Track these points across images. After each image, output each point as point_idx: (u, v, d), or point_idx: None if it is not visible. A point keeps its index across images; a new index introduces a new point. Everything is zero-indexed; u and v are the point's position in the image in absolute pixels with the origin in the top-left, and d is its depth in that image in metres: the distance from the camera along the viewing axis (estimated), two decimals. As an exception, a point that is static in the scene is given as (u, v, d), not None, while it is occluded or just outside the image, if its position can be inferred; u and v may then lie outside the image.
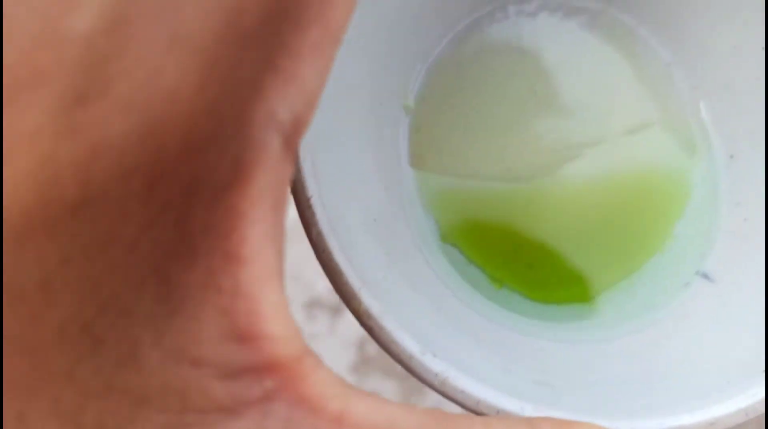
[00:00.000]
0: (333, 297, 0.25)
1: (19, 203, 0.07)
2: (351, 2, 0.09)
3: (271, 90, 0.09)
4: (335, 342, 0.25)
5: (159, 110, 0.07)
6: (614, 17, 0.18)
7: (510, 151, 0.18)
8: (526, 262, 0.18)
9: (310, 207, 0.13)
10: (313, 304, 0.26)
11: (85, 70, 0.07)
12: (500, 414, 0.13)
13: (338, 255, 0.13)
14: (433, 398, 0.25)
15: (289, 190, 0.10)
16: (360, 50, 0.16)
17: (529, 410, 0.13)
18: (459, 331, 0.16)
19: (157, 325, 0.08)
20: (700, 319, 0.17)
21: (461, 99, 0.18)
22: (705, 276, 0.18)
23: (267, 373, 0.09)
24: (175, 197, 0.08)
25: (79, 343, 0.08)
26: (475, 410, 0.13)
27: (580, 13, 0.19)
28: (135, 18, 0.07)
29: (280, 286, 0.09)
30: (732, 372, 0.14)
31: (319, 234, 0.13)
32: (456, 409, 0.13)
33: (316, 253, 0.13)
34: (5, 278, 0.07)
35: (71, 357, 0.08)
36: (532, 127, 0.18)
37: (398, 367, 0.14)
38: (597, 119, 0.19)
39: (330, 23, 0.09)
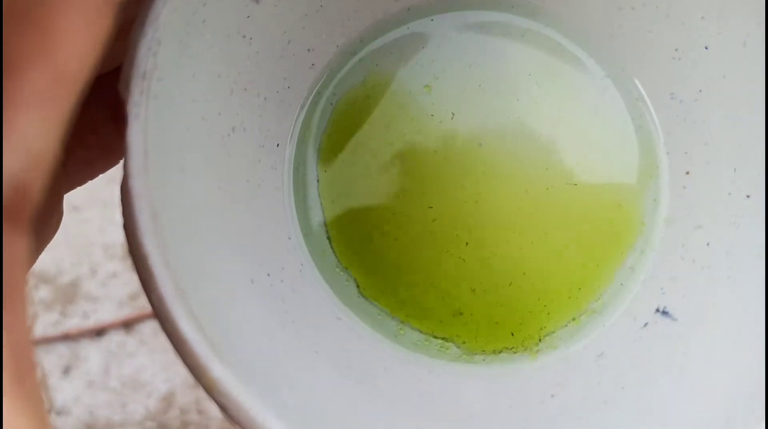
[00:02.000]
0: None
1: None
2: (85, 39, 0.08)
3: None
4: None
5: None
6: (538, 40, 0.17)
7: (432, 188, 0.16)
8: (453, 310, 0.16)
9: (147, 267, 0.11)
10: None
11: None
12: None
13: (183, 322, 0.11)
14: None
15: (24, 274, 0.08)
16: (244, 83, 0.15)
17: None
18: (368, 395, 0.13)
19: None
20: (657, 366, 0.14)
21: (371, 133, 0.16)
22: (665, 313, 0.15)
23: None
24: None
25: None
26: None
27: (502, 27, 0.17)
28: None
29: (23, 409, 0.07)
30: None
31: (160, 299, 0.11)
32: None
33: (159, 323, 0.11)
34: None
35: None
36: (457, 159, 0.16)
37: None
38: (533, 151, 0.17)
39: (57, 63, 0.07)
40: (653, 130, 0.16)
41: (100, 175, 0.27)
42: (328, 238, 0.16)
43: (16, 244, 0.07)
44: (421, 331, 0.16)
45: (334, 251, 0.16)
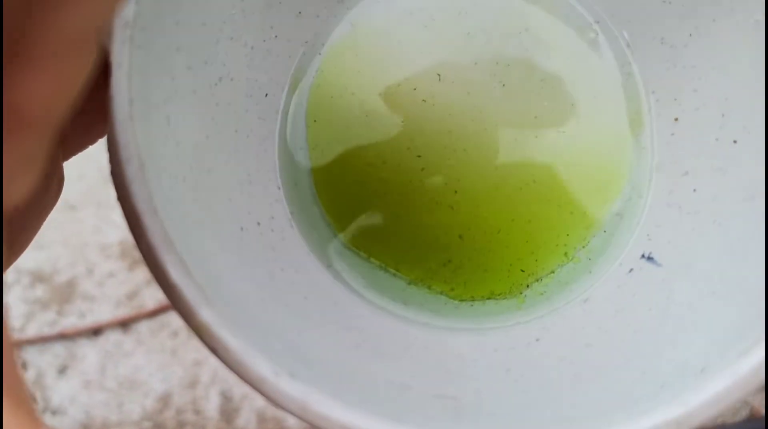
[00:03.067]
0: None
1: None
2: (60, 92, 0.08)
3: None
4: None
5: None
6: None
7: (420, 137, 0.16)
8: (443, 259, 0.16)
9: (136, 216, 0.11)
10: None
11: None
12: (372, 440, 0.11)
13: (173, 268, 0.11)
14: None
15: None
16: (229, 32, 0.15)
17: (409, 434, 0.11)
18: (351, 344, 0.14)
19: None
20: (640, 310, 0.14)
21: (360, 83, 0.16)
22: (650, 259, 0.15)
23: None
24: None
25: None
26: (344, 438, 0.11)
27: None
28: None
29: None
30: (667, 375, 0.12)
31: (149, 247, 0.11)
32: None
33: (149, 269, 0.11)
34: None
35: None
36: (445, 107, 0.16)
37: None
38: (522, 96, 0.16)
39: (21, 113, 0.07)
40: (642, 76, 0.16)
41: (97, 176, 0.27)
42: (316, 187, 0.16)
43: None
44: (409, 280, 0.16)
45: (321, 201, 0.16)
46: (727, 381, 0.11)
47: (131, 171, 0.11)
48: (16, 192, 0.08)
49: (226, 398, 0.26)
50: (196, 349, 0.25)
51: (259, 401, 0.25)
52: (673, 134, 0.16)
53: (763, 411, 0.27)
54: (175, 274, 0.11)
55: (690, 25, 0.15)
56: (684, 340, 0.13)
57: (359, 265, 0.16)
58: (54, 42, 0.08)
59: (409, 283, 0.16)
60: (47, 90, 0.08)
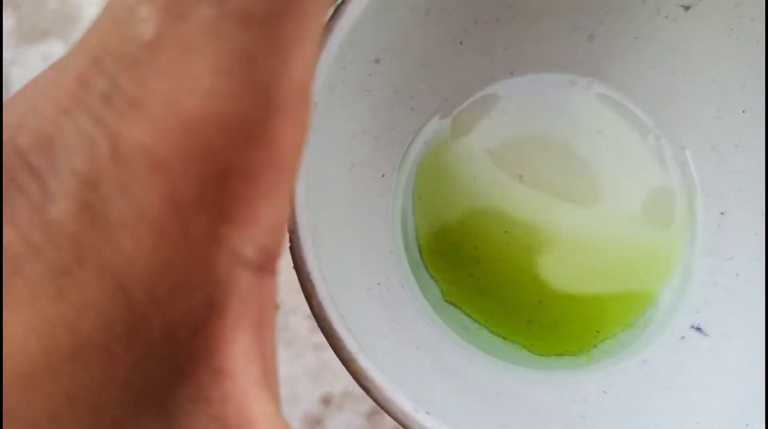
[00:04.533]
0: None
1: (26, 352, 0.09)
2: (299, 135, 0.10)
3: (231, 236, 0.10)
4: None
5: (123, 273, 0.09)
6: (602, 95, 0.20)
7: (509, 215, 0.19)
8: (525, 319, 0.19)
9: (310, 281, 0.14)
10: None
11: (65, 247, 0.09)
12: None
13: (337, 323, 0.14)
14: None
15: (274, 305, 0.11)
16: (362, 127, 0.18)
17: (517, 464, 0.14)
18: (455, 387, 0.17)
19: None
20: (692, 372, 0.17)
21: (457, 166, 0.20)
22: (699, 329, 0.18)
23: None
24: (156, 337, 0.10)
25: None
26: (466, 465, 0.14)
27: (570, 86, 0.20)
28: (94, 203, 0.09)
29: (267, 395, 0.11)
30: (717, 425, 0.15)
31: (319, 305, 0.14)
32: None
33: (317, 322, 0.15)
34: (22, 412, 0.09)
35: None
36: (532, 191, 0.20)
37: None
38: (596, 178, 0.20)
39: (283, 164, 0.10)
40: (695, 176, 0.19)
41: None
42: (422, 252, 0.20)
43: (270, 285, 0.11)
44: (497, 334, 0.19)
45: (425, 263, 0.20)
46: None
47: (307, 246, 0.15)
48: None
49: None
50: None
51: (294, 423, 0.28)
52: (719, 225, 0.19)
53: None
54: (339, 328, 0.14)
55: (736, 138, 0.18)
56: (729, 398, 0.16)
57: (458, 320, 0.19)
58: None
59: (497, 338, 0.19)
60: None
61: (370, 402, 0.17)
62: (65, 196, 0.09)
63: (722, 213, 0.19)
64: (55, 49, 0.32)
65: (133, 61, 0.09)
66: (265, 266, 0.11)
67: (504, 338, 0.19)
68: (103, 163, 0.09)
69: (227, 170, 0.10)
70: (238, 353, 0.10)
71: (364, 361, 0.14)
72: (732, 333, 0.17)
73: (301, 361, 0.27)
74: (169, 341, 0.10)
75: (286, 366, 0.27)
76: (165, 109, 0.09)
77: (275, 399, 0.11)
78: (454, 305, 0.19)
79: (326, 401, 0.26)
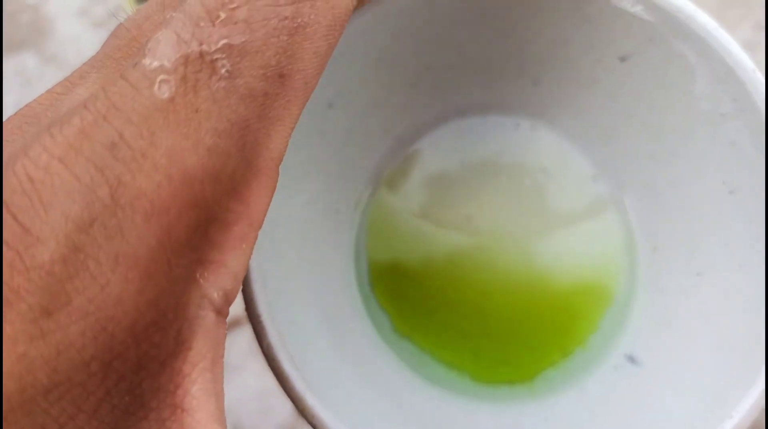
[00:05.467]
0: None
1: (2, 391, 0.09)
2: (268, 197, 0.12)
3: (203, 279, 0.11)
4: None
5: (108, 313, 0.10)
6: (546, 136, 0.21)
7: (456, 249, 0.20)
8: (472, 348, 0.20)
9: (260, 322, 0.15)
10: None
11: (48, 290, 0.10)
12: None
13: (285, 363, 0.15)
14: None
15: (224, 345, 0.12)
16: (314, 171, 0.19)
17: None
18: (404, 418, 0.18)
19: None
20: (625, 399, 0.18)
21: (407, 204, 0.21)
22: (632, 360, 0.19)
23: None
24: (128, 371, 0.10)
25: None
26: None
27: (515, 127, 0.21)
28: (86, 246, 0.10)
29: (220, 426, 0.12)
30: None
31: (269, 346, 0.15)
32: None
33: (267, 361, 0.15)
34: None
35: None
36: (478, 229, 0.21)
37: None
38: (540, 215, 0.21)
39: (252, 218, 0.12)
40: (630, 213, 0.21)
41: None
42: (371, 285, 0.20)
43: (222, 328, 0.12)
44: (444, 364, 0.20)
45: (375, 296, 0.20)
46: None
47: (257, 289, 0.16)
48: None
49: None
50: None
51: None
52: (652, 260, 0.20)
53: None
54: (288, 368, 0.15)
55: (668, 179, 0.20)
56: (658, 425, 0.17)
57: (406, 350, 0.20)
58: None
59: (442, 366, 0.20)
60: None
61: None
62: (55, 239, 0.10)
63: (655, 248, 0.20)
64: (29, 62, 0.32)
65: (142, 119, 0.10)
66: (224, 309, 0.12)
67: (450, 367, 0.20)
68: (99, 208, 0.10)
69: (211, 219, 0.11)
70: (197, 390, 0.11)
71: (310, 400, 0.15)
72: (663, 363, 0.19)
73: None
74: (138, 374, 0.11)
75: (258, 379, 0.27)
76: (169, 162, 0.10)
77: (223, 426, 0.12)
78: (404, 336, 0.20)
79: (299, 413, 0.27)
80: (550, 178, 0.21)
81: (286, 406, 0.27)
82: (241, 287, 0.12)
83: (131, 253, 0.10)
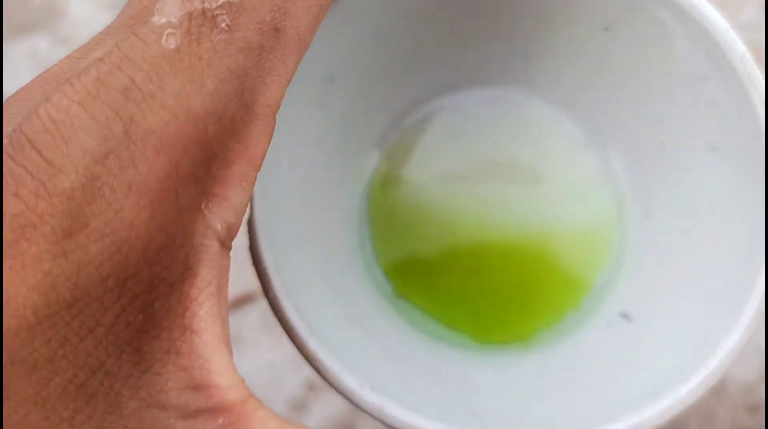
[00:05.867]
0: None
1: (30, 305, 0.11)
2: (265, 140, 0.13)
3: (207, 210, 0.12)
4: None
5: (122, 235, 0.11)
6: (537, 106, 0.22)
7: (455, 216, 0.22)
8: (471, 310, 0.21)
9: (266, 275, 0.16)
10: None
11: (69, 214, 0.11)
12: (427, 436, 0.16)
13: (290, 311, 0.16)
14: None
15: (228, 275, 0.13)
16: (316, 142, 0.20)
17: (453, 432, 0.16)
18: (404, 369, 0.19)
19: (133, 382, 0.12)
20: (617, 353, 0.19)
21: (408, 174, 0.22)
22: (625, 316, 0.20)
23: (219, 414, 0.12)
24: (140, 291, 0.12)
25: (76, 398, 0.11)
26: (406, 434, 0.16)
27: (508, 100, 0.22)
28: (102, 175, 0.11)
29: (226, 349, 0.13)
30: (630, 397, 0.17)
31: (275, 297, 0.16)
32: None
33: (273, 311, 0.17)
34: (24, 356, 0.11)
35: (71, 408, 0.11)
36: (472, 195, 0.22)
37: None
38: (533, 182, 0.22)
39: (251, 159, 0.13)
40: (621, 176, 0.22)
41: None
42: (374, 252, 0.22)
43: (226, 259, 0.13)
44: (445, 326, 0.21)
45: (378, 262, 0.22)
46: (670, 401, 0.16)
47: (264, 244, 0.17)
48: None
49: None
50: None
51: (278, 408, 0.29)
52: (643, 221, 0.21)
53: None
54: (293, 317, 0.16)
55: (656, 142, 0.21)
56: (645, 375, 0.18)
57: (408, 311, 0.21)
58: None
59: (443, 327, 0.21)
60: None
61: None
62: (74, 169, 0.11)
63: (646, 210, 0.21)
64: (41, 44, 0.32)
65: (151, 67, 0.12)
66: (227, 241, 0.13)
67: (451, 329, 0.21)
68: (114, 143, 0.11)
69: (214, 155, 0.12)
70: (204, 313, 0.12)
71: (314, 345, 0.16)
72: (653, 319, 0.19)
73: (283, 346, 0.28)
74: (150, 295, 0.12)
75: (268, 351, 0.28)
76: (176, 103, 0.12)
77: (232, 355, 0.13)
78: (405, 299, 0.21)
79: (310, 385, 0.28)
80: (543, 147, 0.22)
81: (296, 379, 0.28)
82: (240, 223, 0.13)
83: (142, 182, 0.11)
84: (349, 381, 0.16)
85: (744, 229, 0.18)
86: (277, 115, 0.18)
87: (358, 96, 0.21)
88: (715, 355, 0.16)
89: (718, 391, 0.28)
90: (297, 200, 0.19)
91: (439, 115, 0.22)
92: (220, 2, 0.12)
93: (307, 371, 0.28)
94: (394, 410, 0.16)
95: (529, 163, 0.22)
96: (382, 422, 0.16)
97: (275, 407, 0.28)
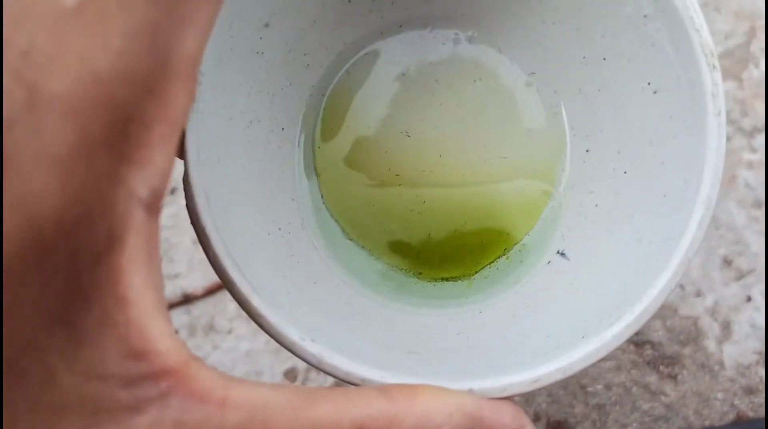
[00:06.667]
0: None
1: None
2: (187, 98, 0.13)
3: (128, 176, 0.12)
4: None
5: (34, 208, 0.11)
6: (482, 45, 0.21)
7: (399, 161, 0.22)
8: (415, 251, 0.21)
9: (205, 234, 0.17)
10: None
11: None
12: (364, 382, 0.17)
13: (231, 270, 0.17)
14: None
15: (158, 240, 0.13)
16: (257, 86, 0.20)
17: (389, 378, 0.17)
18: (347, 316, 0.19)
19: (68, 355, 0.12)
20: (553, 292, 0.20)
21: (354, 119, 0.22)
22: (563, 254, 0.21)
23: (161, 378, 0.13)
24: (62, 264, 0.12)
25: (8, 374, 0.12)
26: (346, 381, 0.17)
27: (453, 39, 0.22)
28: (9, 146, 0.11)
29: (163, 315, 0.13)
30: (561, 338, 0.18)
31: (214, 255, 0.17)
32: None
33: (214, 270, 0.17)
34: None
35: (3, 385, 0.12)
36: (418, 138, 0.22)
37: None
38: (477, 122, 0.22)
39: (172, 118, 0.12)
40: (564, 116, 0.21)
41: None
42: (322, 197, 0.22)
43: (154, 224, 0.13)
44: (390, 265, 0.21)
45: (326, 207, 0.22)
46: (597, 344, 0.17)
47: (200, 202, 0.17)
48: None
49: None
50: (195, 347, 0.29)
51: None
52: (584, 161, 0.21)
53: (749, 414, 0.30)
54: (234, 274, 0.17)
55: (599, 82, 0.20)
56: (576, 315, 0.19)
57: (355, 255, 0.21)
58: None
59: (390, 268, 0.21)
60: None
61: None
62: None
63: (587, 150, 0.21)
64: None
65: (53, 24, 0.11)
66: (154, 205, 0.13)
67: (397, 268, 0.21)
68: (18, 110, 0.11)
69: (129, 118, 0.12)
70: (137, 282, 0.12)
71: (256, 301, 0.17)
72: (588, 257, 0.20)
73: (263, 336, 0.28)
74: (75, 267, 0.12)
75: (248, 342, 0.29)
76: (80, 64, 0.11)
77: (170, 321, 0.13)
78: (353, 241, 0.21)
79: (290, 375, 0.28)
80: (487, 86, 0.22)
81: (276, 369, 0.28)
82: (167, 185, 0.13)
83: (50, 151, 0.11)
84: (293, 334, 0.17)
85: (680, 174, 0.18)
86: (210, 64, 0.17)
87: (297, 39, 0.20)
88: (641, 302, 0.17)
89: (715, 373, 0.30)
90: (239, 151, 0.19)
91: (384, 57, 0.22)
92: None
93: (289, 362, 0.28)
94: (333, 359, 0.17)
95: (471, 104, 0.22)
96: (323, 372, 0.17)
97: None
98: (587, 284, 0.19)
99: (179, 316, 0.30)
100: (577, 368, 0.17)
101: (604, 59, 0.20)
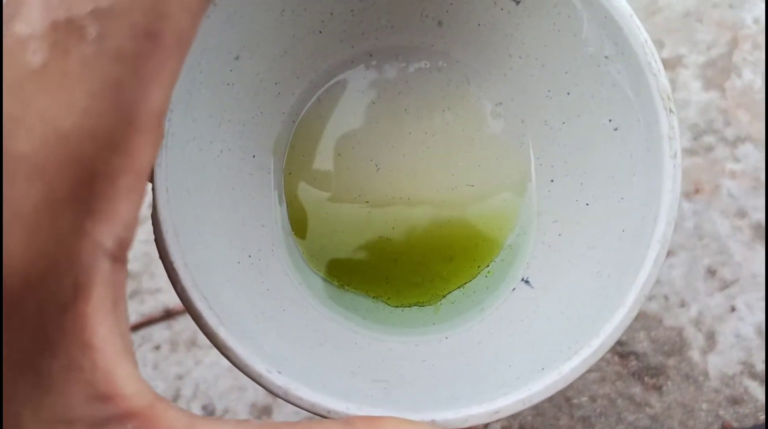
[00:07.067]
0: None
1: None
2: (152, 149, 0.13)
3: (93, 229, 0.12)
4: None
5: None
6: (450, 75, 0.22)
7: (368, 187, 0.22)
8: (383, 276, 0.22)
9: (173, 269, 0.17)
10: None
11: None
12: (330, 414, 0.17)
13: (198, 303, 0.17)
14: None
15: (125, 288, 0.14)
16: (228, 116, 0.20)
17: (354, 409, 0.17)
18: (315, 345, 0.20)
19: (34, 402, 0.12)
20: (517, 320, 0.21)
21: (324, 146, 0.22)
22: (527, 282, 0.21)
23: (127, 419, 0.13)
24: (29, 316, 0.12)
25: None
26: (312, 412, 0.17)
27: (422, 68, 0.22)
28: None
29: (129, 360, 0.13)
30: (522, 369, 0.18)
31: (182, 289, 0.17)
32: (305, 414, 0.18)
33: (182, 303, 0.17)
34: None
35: None
36: (387, 166, 0.22)
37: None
38: (445, 151, 0.22)
39: (137, 169, 0.12)
40: (530, 147, 0.22)
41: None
42: (291, 224, 0.22)
43: (120, 274, 0.13)
44: (356, 292, 0.22)
45: (295, 234, 0.22)
46: (555, 377, 0.18)
47: (169, 239, 0.17)
48: None
49: (207, 412, 0.29)
50: (177, 363, 0.29)
51: (241, 415, 0.29)
52: (549, 191, 0.22)
53: (734, 424, 0.30)
54: (201, 307, 0.17)
55: (563, 116, 0.21)
56: (538, 346, 0.19)
57: (321, 283, 0.22)
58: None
59: (356, 295, 0.22)
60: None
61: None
62: None
63: (552, 180, 0.22)
64: None
65: (19, 85, 0.11)
66: (120, 255, 0.13)
67: (365, 294, 0.22)
68: None
69: (94, 174, 0.12)
70: (103, 329, 0.13)
71: (224, 334, 0.17)
72: (551, 286, 0.21)
73: None
74: (41, 318, 0.12)
75: None
76: (44, 125, 0.11)
77: (136, 365, 0.14)
78: (319, 271, 0.22)
79: None
80: (455, 116, 0.22)
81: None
82: (134, 234, 0.13)
83: (15, 210, 0.11)
84: (259, 367, 0.17)
85: (637, 211, 0.19)
86: (179, 98, 0.17)
87: (268, 69, 0.20)
88: (598, 337, 0.18)
89: (700, 384, 0.30)
90: (208, 180, 0.19)
91: (354, 85, 0.22)
92: (87, 9, 0.11)
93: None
94: (298, 391, 0.17)
95: (440, 133, 0.22)
96: (290, 403, 0.17)
97: (239, 414, 0.28)
98: (549, 313, 0.20)
99: (161, 331, 0.30)
100: (536, 400, 0.18)
101: (568, 94, 0.21)
